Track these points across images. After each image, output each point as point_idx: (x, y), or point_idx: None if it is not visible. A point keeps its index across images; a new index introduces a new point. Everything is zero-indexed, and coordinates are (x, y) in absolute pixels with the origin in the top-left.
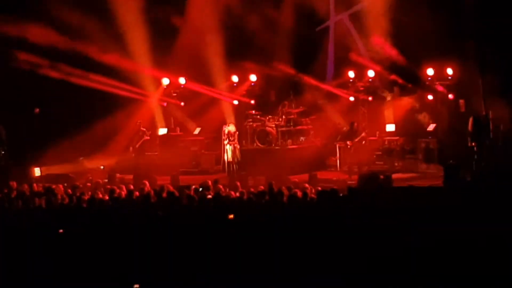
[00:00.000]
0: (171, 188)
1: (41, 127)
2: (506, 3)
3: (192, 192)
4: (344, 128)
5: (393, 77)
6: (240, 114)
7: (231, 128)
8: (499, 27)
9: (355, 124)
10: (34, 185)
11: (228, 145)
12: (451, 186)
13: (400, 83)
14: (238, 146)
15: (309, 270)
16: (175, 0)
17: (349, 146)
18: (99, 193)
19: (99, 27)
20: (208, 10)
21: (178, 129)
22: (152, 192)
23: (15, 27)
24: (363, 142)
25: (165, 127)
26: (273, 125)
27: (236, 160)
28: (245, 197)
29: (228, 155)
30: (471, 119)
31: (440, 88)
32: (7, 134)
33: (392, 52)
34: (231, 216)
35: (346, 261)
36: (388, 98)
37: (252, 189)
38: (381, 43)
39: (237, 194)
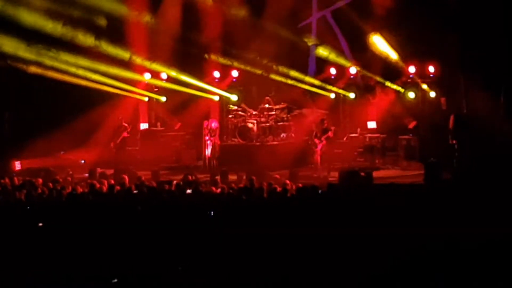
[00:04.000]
0: (151, 183)
1: (22, 121)
2: (488, 1)
3: (173, 187)
4: (323, 126)
5: (373, 74)
6: (222, 109)
7: (212, 124)
8: (481, 25)
9: (325, 121)
10: (15, 178)
11: (209, 141)
12: (431, 183)
13: (381, 81)
14: (219, 142)
15: (288, 265)
16: None
17: (318, 144)
18: (79, 187)
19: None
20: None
21: (159, 124)
22: (132, 187)
23: None
24: (345, 138)
25: (146, 122)
26: (254, 121)
27: (215, 156)
28: (225, 192)
29: (208, 150)
30: (452, 117)
31: (421, 86)
32: None
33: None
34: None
35: (325, 257)
36: (372, 98)
37: (233, 185)
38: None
39: (218, 190)
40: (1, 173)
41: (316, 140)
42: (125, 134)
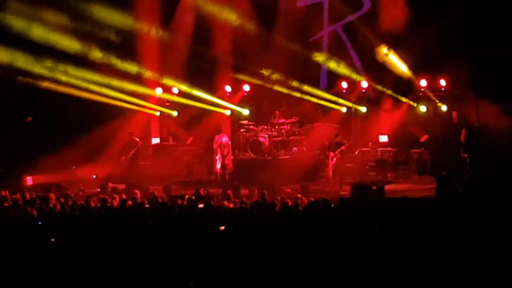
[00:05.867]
0: (163, 198)
1: (33, 135)
2: (497, 15)
3: (185, 202)
4: (337, 139)
5: (385, 88)
6: (233, 124)
7: (223, 139)
8: (490, 38)
9: (339, 135)
10: (27, 194)
11: (219, 156)
12: (443, 197)
13: (392, 95)
14: (232, 157)
15: (300, 280)
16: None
17: (332, 158)
18: (92, 202)
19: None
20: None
21: (170, 138)
22: (144, 202)
23: None
24: (356, 152)
25: (158, 136)
26: (266, 135)
27: (228, 170)
28: (238, 207)
29: (220, 165)
30: (463, 131)
31: (433, 99)
32: None
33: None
34: (222, 228)
35: (337, 272)
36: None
37: (244, 199)
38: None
39: (230, 204)
40: (13, 188)
41: (331, 154)
42: (133, 151)
